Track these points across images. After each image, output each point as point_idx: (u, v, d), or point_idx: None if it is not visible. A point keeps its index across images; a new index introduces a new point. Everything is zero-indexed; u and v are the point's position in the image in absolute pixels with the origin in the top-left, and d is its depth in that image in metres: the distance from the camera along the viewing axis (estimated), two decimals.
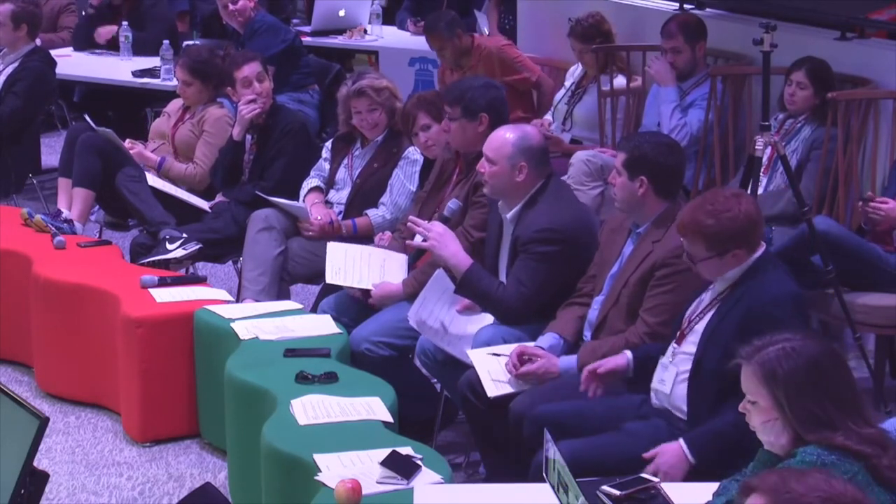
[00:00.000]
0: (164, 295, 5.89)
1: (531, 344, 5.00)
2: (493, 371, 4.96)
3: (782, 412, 3.28)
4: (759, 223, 4.41)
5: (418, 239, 5.48)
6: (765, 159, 5.97)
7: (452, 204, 5.57)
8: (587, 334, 5.00)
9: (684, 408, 4.40)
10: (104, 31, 9.70)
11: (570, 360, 4.89)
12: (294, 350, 5.21)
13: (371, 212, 6.44)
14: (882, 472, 3.20)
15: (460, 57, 8.26)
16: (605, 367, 4.62)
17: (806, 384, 3.27)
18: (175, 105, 7.54)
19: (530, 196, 5.26)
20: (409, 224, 5.44)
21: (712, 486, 3.68)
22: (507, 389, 4.89)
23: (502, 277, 5.35)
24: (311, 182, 6.66)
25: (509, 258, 5.32)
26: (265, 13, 9.18)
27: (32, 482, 3.45)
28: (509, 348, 5.01)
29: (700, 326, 4.41)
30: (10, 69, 8.27)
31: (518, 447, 4.63)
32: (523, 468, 4.53)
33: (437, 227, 5.34)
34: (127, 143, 7.32)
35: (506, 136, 5.26)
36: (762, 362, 3.30)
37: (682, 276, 4.68)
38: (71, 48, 9.82)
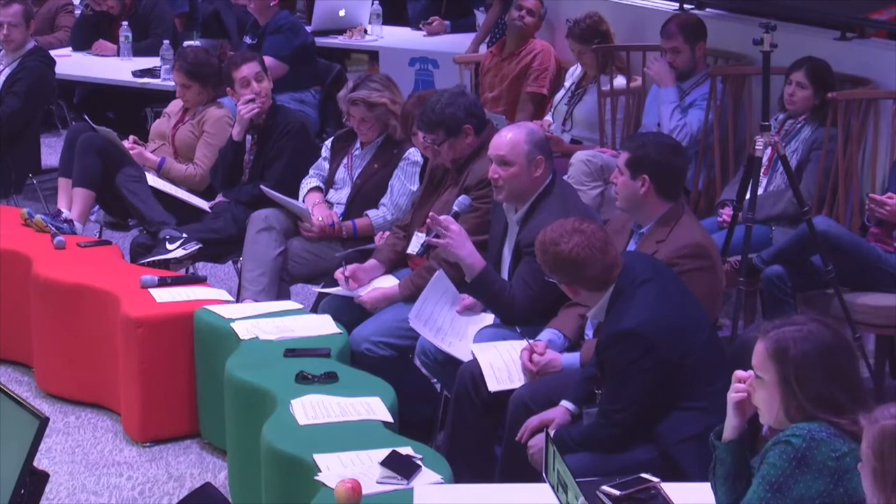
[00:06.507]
0: (164, 295, 5.89)
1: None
2: (496, 365, 4.98)
3: (787, 389, 3.35)
4: (587, 264, 4.45)
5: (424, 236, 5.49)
6: (765, 159, 5.97)
7: (463, 199, 5.56)
8: (589, 333, 5.01)
9: None
10: (105, 47, 9.68)
11: (573, 357, 4.93)
12: (294, 350, 5.21)
13: (372, 212, 6.44)
14: None
15: (522, 38, 8.24)
16: (542, 420, 4.63)
17: (815, 367, 3.35)
18: (175, 106, 7.52)
19: (536, 197, 5.25)
20: (428, 221, 5.40)
21: None
22: (508, 385, 4.91)
23: (504, 277, 5.35)
24: (310, 182, 6.65)
25: (513, 259, 5.32)
26: (288, 12, 9.17)
27: (32, 482, 3.44)
28: (511, 344, 5.04)
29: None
30: (9, 69, 8.26)
31: (510, 440, 4.65)
32: (514, 463, 4.62)
33: (453, 226, 5.32)
34: (127, 143, 7.32)
35: (516, 136, 5.26)
36: (776, 339, 3.38)
37: (688, 276, 4.69)
38: (69, 48, 9.81)
